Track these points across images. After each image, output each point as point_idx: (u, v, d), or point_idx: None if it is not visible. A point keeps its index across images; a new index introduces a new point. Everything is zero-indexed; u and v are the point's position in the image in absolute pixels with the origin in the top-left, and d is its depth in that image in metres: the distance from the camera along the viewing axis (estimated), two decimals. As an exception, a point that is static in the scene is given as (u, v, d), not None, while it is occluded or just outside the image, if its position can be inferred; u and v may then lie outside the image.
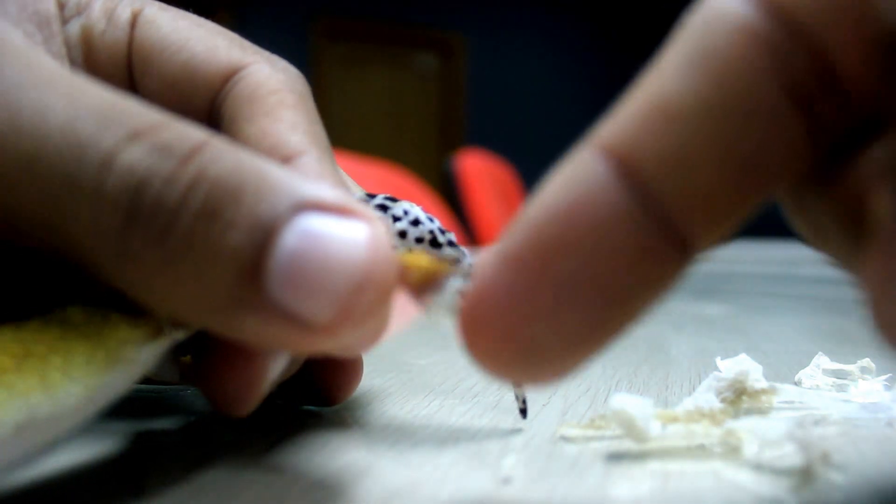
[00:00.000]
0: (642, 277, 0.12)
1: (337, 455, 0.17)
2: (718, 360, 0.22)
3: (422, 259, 0.15)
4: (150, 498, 0.14)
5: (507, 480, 0.15)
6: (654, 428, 0.17)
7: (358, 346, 0.13)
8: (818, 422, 0.20)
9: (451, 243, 0.18)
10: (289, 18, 3.58)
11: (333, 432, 0.19)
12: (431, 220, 0.19)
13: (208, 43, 0.19)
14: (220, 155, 0.12)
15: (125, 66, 0.19)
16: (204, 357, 0.17)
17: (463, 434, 0.19)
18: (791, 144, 0.11)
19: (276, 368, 0.17)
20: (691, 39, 0.11)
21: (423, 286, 0.14)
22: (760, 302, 0.58)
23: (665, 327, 0.40)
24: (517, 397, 0.19)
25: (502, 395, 0.23)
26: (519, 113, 3.92)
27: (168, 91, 0.19)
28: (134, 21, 0.19)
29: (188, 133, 0.13)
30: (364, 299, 0.12)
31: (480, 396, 0.23)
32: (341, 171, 0.22)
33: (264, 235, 0.12)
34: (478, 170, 2.02)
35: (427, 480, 0.15)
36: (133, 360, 0.13)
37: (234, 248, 0.12)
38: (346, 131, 3.79)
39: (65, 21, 0.19)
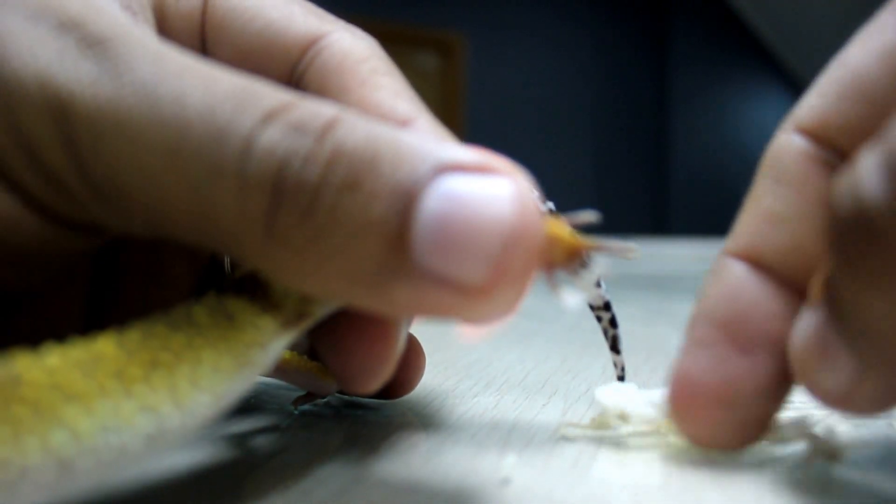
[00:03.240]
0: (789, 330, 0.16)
1: (336, 456, 0.17)
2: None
3: (564, 230, 0.14)
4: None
5: (506, 480, 0.15)
6: (647, 411, 0.18)
7: (505, 311, 0.13)
8: (818, 422, 0.20)
9: (552, 213, 0.18)
10: (289, 18, 3.57)
11: (330, 434, 0.19)
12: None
13: (284, 10, 0.18)
14: (353, 128, 0.12)
15: (198, 36, 0.18)
16: (331, 334, 0.17)
17: (463, 434, 0.19)
18: None
19: (403, 341, 0.17)
20: (773, 164, 0.17)
21: (564, 260, 0.14)
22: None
23: (665, 327, 0.40)
24: (615, 364, 0.21)
25: (502, 395, 0.23)
26: (519, 113, 3.92)
27: (243, 61, 0.18)
28: None
29: (318, 109, 0.13)
30: (517, 255, 0.12)
31: (480, 396, 0.23)
32: None
33: (406, 202, 0.12)
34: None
35: (427, 480, 0.15)
36: (257, 363, 0.13)
37: (378, 218, 0.12)
38: (346, 131, 3.75)
39: None
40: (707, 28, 4.41)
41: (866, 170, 0.12)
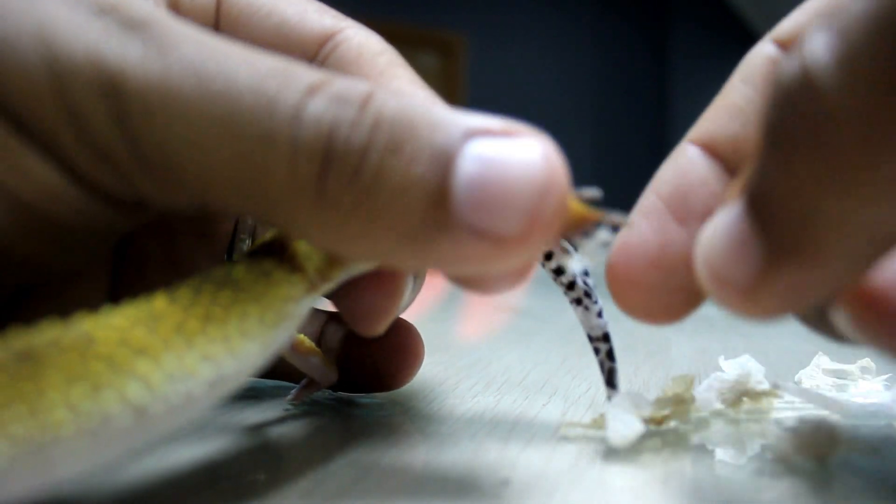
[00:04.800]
0: None
1: (336, 455, 0.17)
2: (722, 360, 0.22)
3: (574, 201, 0.15)
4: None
5: (506, 480, 0.15)
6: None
7: (532, 257, 0.14)
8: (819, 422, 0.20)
9: None
10: (289, 18, 3.57)
11: (331, 434, 0.19)
12: None
13: (298, 7, 0.19)
14: (389, 99, 0.13)
15: (213, 30, 0.18)
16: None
17: (463, 434, 0.19)
18: None
19: (409, 290, 0.18)
20: (744, 68, 0.18)
21: (570, 228, 0.15)
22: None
23: (665, 328, 0.40)
24: (602, 367, 0.20)
25: (502, 395, 0.23)
26: (519, 113, 3.90)
27: None
28: None
29: (354, 84, 0.13)
30: (549, 205, 0.13)
31: (480, 396, 0.23)
32: None
33: (445, 163, 0.13)
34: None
35: (427, 480, 0.15)
36: (294, 315, 0.15)
37: (421, 177, 0.13)
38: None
39: None
40: (707, 28, 4.41)
41: (815, 37, 0.10)
